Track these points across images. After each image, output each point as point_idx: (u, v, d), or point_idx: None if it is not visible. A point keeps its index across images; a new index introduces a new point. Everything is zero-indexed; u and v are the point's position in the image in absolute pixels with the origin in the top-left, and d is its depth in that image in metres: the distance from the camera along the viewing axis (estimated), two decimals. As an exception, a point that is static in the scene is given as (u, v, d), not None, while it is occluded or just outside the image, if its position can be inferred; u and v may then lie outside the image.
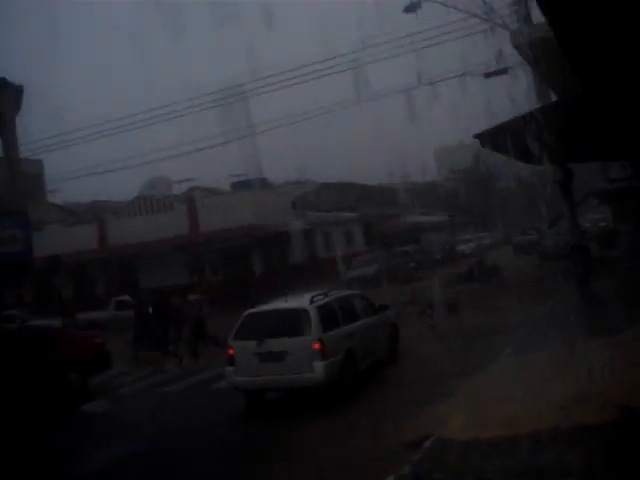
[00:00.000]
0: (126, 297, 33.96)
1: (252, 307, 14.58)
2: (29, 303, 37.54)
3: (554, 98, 16.02)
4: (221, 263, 40.98)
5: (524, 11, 16.67)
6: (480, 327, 17.81)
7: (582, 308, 15.93)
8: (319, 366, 12.76)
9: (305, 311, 13.30)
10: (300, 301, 14.02)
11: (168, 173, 56.03)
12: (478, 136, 13.64)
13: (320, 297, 14.03)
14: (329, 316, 13.58)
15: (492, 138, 13.69)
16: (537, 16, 15.19)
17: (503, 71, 21.14)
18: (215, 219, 39.25)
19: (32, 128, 35.04)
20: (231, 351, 13.52)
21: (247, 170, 47.65)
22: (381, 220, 56.38)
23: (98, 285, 42.61)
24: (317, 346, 12.81)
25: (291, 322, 13.43)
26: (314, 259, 45.13)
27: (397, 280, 35.92)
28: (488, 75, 21.75)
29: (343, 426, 11.20)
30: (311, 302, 13.59)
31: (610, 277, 20.69)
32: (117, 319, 31.25)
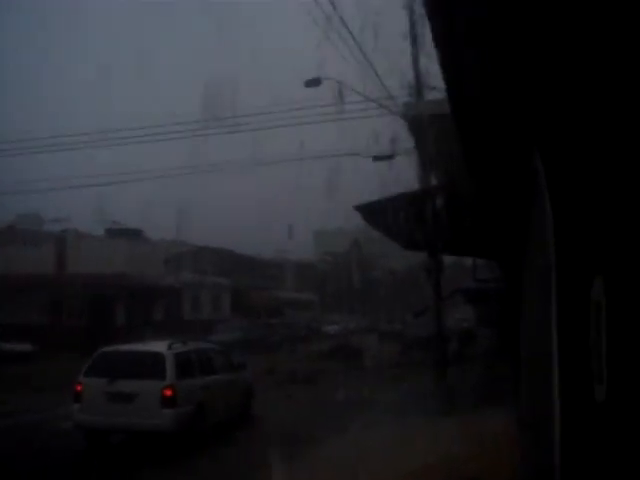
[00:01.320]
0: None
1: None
2: None
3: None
4: (84, 308, 39.57)
5: (417, 87, 17.42)
6: (336, 401, 17.80)
7: (435, 392, 16.23)
8: (168, 413, 12.38)
9: (161, 355, 12.95)
10: (158, 345, 13.68)
11: (40, 209, 53.81)
12: (358, 208, 13.87)
13: (178, 345, 13.73)
14: (185, 364, 13.28)
15: (371, 212, 13.95)
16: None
17: (390, 156, 21.76)
18: (85, 262, 38.04)
19: None
20: (79, 388, 12.94)
21: (124, 219, 46.79)
22: (251, 290, 56.46)
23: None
24: (168, 392, 12.45)
25: (145, 365, 13.04)
26: (179, 319, 44.34)
27: (259, 350, 35.76)
28: (376, 158, 22.32)
29: (184, 477, 10.82)
30: (169, 348, 13.27)
31: (465, 369, 21.31)
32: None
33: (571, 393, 3.59)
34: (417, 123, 10.14)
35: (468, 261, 35.82)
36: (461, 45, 3.64)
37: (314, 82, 22.90)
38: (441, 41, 3.77)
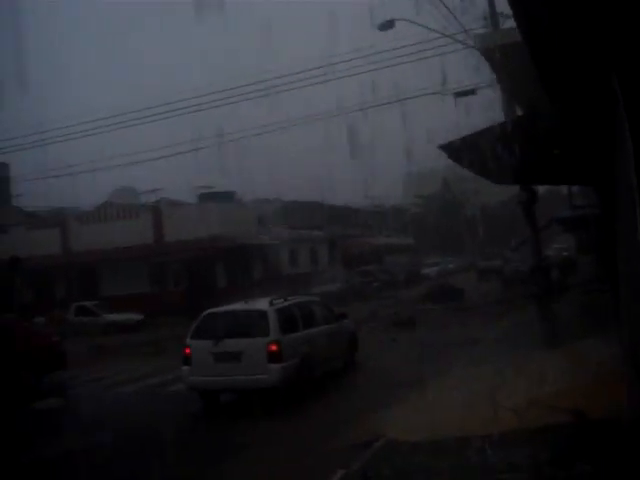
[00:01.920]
0: (86, 303, 33.83)
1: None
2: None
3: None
4: (184, 273, 40.67)
5: (492, 18, 16.94)
6: (440, 341, 17.87)
7: (539, 325, 16.05)
8: (275, 368, 12.67)
9: (264, 312, 13.23)
10: (260, 303, 13.96)
11: (135, 181, 55.38)
12: (443, 147, 13.67)
13: (280, 301, 13.99)
14: (288, 319, 13.53)
15: (457, 150, 13.70)
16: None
17: (472, 91, 21.34)
18: (180, 230, 38.98)
19: (-2, 128, 34.45)
20: (187, 350, 13.36)
21: (215, 183, 47.55)
22: (346, 240, 56.66)
23: (58, 289, 42.01)
24: (274, 348, 12.74)
25: (249, 323, 13.36)
26: (278, 274, 45.06)
27: (360, 298, 36.11)
28: (458, 95, 21.91)
29: (296, 428, 11.14)
30: (270, 304, 13.54)
31: (567, 300, 20.96)
32: (76, 323, 31.31)
33: None
34: (494, 54, 9.88)
35: (563, 189, 34.98)
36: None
37: (387, 25, 22.54)
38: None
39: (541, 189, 23.68)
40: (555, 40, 4.70)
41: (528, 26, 4.56)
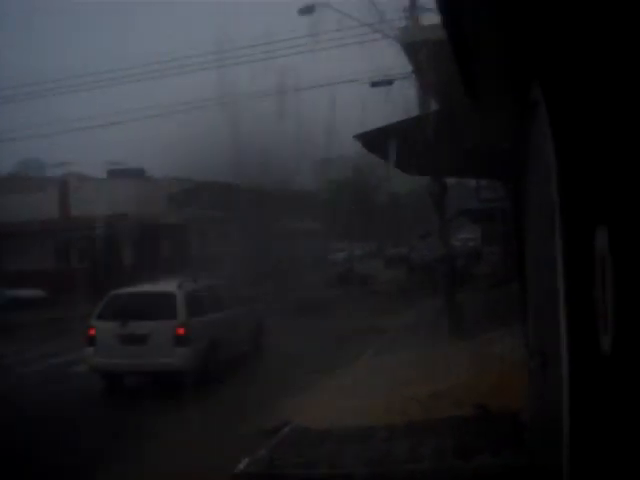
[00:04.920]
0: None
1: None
2: None
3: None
4: (90, 250, 39.68)
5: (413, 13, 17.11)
6: (346, 328, 18.02)
7: (443, 316, 16.39)
8: (181, 352, 12.55)
9: (172, 294, 13.07)
10: (168, 285, 13.77)
11: (41, 153, 53.70)
12: (358, 137, 13.73)
13: (188, 283, 13.82)
14: (195, 302, 13.40)
15: (372, 140, 13.78)
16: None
17: (389, 82, 21.50)
18: (88, 205, 37.97)
19: None
20: (92, 331, 13.10)
21: (125, 159, 46.59)
22: (255, 223, 56.49)
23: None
24: (181, 331, 12.61)
25: (157, 305, 13.16)
26: (187, 255, 44.56)
27: (266, 280, 36.10)
28: (375, 84, 22.06)
29: (202, 412, 11.01)
30: (179, 286, 13.37)
31: (472, 290, 21.47)
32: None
33: (577, 341, 3.56)
34: (414, 49, 9.94)
35: (472, 182, 35.81)
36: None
37: (308, 10, 22.45)
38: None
39: (450, 180, 24.14)
40: (479, 41, 4.74)
41: (452, 26, 4.58)
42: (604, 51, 2.66)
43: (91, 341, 13.05)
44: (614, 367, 2.68)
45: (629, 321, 2.43)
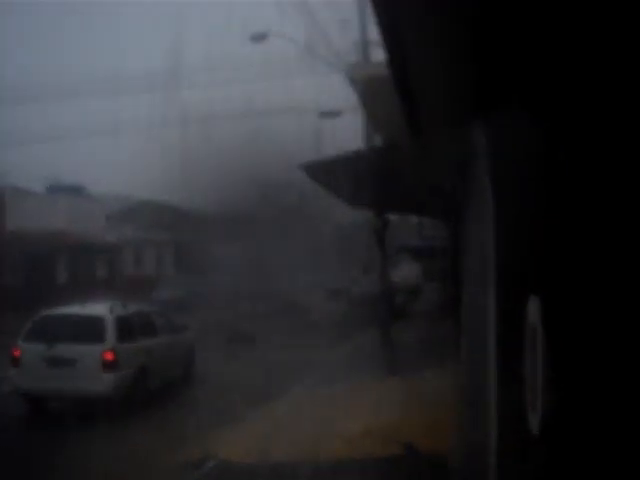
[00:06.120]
0: None
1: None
2: None
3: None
4: (23, 266, 38.69)
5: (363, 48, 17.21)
6: (280, 361, 17.77)
7: (380, 351, 16.33)
8: (109, 378, 12.20)
9: (101, 319, 12.73)
10: (98, 308, 13.41)
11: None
12: (304, 167, 13.70)
13: (119, 307, 13.49)
14: (126, 328, 13.06)
15: (317, 171, 13.76)
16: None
17: (336, 113, 21.60)
18: (24, 220, 37.09)
19: None
20: (17, 352, 12.67)
21: (65, 175, 45.70)
22: (194, 246, 55.95)
23: None
24: (109, 356, 12.26)
25: (86, 328, 12.78)
26: (121, 275, 43.86)
27: (203, 307, 35.61)
28: (323, 115, 22.15)
29: (125, 442, 10.67)
30: (110, 311, 13.03)
31: (411, 325, 21.50)
32: None
33: (505, 420, 3.44)
34: (360, 85, 9.96)
35: (414, 218, 36.15)
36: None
37: (260, 37, 22.47)
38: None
39: (393, 217, 24.26)
40: (422, 81, 4.70)
41: (396, 65, 4.52)
42: (547, 101, 2.60)
43: (15, 362, 12.61)
44: (542, 449, 2.50)
45: (560, 399, 2.28)
